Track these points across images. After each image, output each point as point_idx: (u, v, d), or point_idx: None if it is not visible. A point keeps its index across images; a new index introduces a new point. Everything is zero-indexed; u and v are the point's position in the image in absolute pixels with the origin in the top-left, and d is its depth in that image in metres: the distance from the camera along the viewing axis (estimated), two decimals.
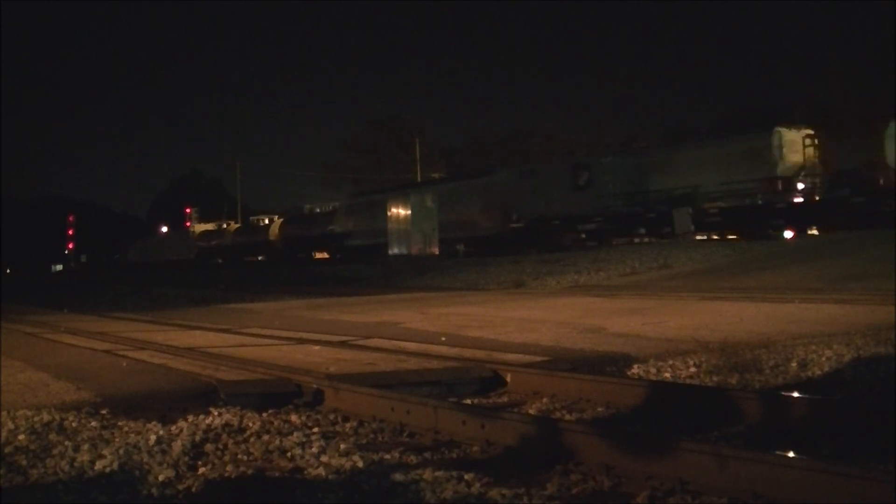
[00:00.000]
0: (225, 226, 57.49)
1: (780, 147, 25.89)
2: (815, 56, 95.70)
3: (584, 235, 30.09)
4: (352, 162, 71.15)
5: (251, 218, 57.28)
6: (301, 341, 7.67)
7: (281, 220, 49.83)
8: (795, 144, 26.06)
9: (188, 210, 66.18)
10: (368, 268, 27.85)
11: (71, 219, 78.70)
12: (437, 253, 34.54)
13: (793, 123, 27.72)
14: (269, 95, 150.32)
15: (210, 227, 59.02)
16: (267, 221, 51.86)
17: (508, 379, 5.37)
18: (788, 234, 24.40)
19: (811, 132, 26.45)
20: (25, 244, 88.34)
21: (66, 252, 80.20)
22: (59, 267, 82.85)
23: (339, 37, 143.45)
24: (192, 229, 59.93)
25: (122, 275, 45.00)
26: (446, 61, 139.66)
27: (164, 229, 67.08)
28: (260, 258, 49.32)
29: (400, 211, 37.23)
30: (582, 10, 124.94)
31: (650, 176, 28.88)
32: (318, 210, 49.08)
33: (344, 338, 7.79)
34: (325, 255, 44.36)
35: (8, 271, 75.85)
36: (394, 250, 36.51)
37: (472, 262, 24.66)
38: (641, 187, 29.03)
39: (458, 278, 19.62)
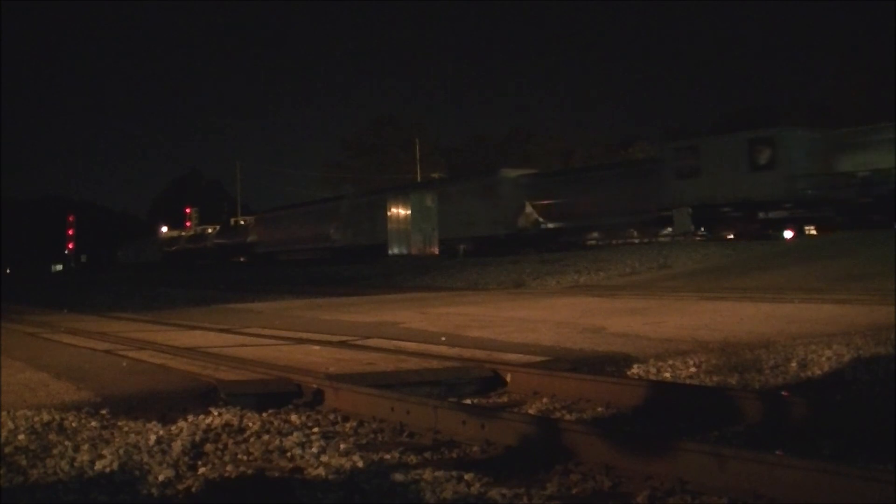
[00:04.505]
0: (183, 232, 62.70)
1: None
2: (814, 56, 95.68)
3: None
4: (352, 161, 71.13)
5: (198, 227, 62.19)
6: (301, 341, 7.66)
7: (215, 229, 56.95)
8: None
9: (188, 210, 66.47)
10: (368, 268, 27.87)
11: (71, 219, 78.68)
12: (437, 253, 34.58)
13: None
14: (269, 95, 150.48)
15: (175, 233, 64.10)
16: (210, 230, 57.68)
17: (508, 379, 5.37)
18: (788, 234, 24.34)
19: None
20: (25, 244, 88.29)
21: (66, 252, 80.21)
22: (59, 267, 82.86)
23: (340, 36, 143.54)
24: (159, 235, 65.50)
25: (121, 275, 47.08)
26: (446, 61, 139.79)
27: (165, 229, 67.68)
28: (207, 261, 54.66)
29: (399, 211, 37.29)
30: (582, 10, 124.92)
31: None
32: (241, 223, 54.96)
33: (344, 338, 7.78)
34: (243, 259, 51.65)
35: (8, 271, 75.82)
36: (393, 250, 36.59)
37: (472, 262, 24.67)
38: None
39: (458, 278, 19.61)
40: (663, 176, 27.66)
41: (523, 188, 33.32)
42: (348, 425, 4.38)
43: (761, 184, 25.00)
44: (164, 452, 3.66)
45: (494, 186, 34.15)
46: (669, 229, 27.74)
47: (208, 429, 4.15)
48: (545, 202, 31.94)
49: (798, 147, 25.27)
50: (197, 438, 3.96)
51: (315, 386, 5.00)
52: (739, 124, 38.16)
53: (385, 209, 38.26)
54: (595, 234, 30.93)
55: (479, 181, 36.48)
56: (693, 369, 5.59)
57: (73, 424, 4.21)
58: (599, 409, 4.63)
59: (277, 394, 4.95)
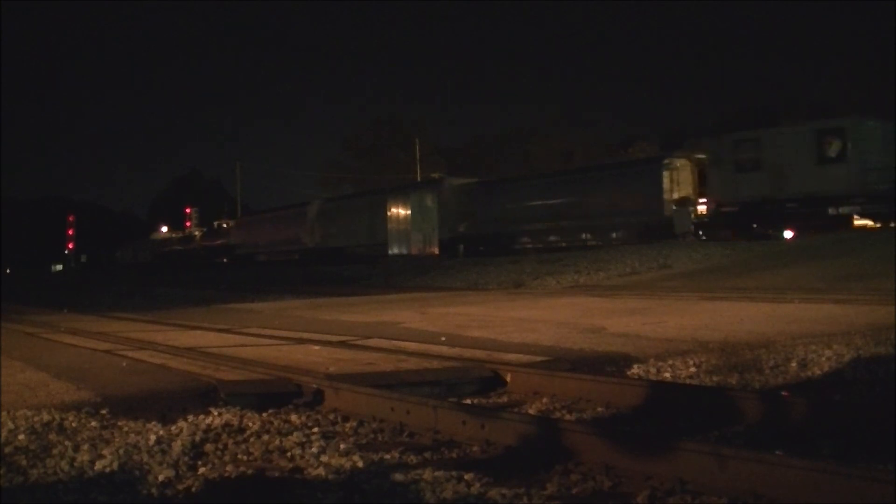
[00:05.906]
0: (174, 234, 64.88)
1: None
2: (814, 55, 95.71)
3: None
4: (352, 162, 71.11)
5: (189, 229, 64.01)
6: (301, 341, 7.66)
7: (202, 231, 59.43)
8: None
9: (188, 210, 66.62)
10: (368, 268, 27.88)
11: (71, 219, 78.67)
12: (436, 253, 34.60)
13: None
14: (269, 95, 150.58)
15: (168, 235, 66.16)
16: (198, 233, 59.89)
17: (508, 379, 5.37)
18: (788, 234, 24.27)
19: None
20: (26, 244, 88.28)
21: (66, 252, 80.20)
22: (59, 267, 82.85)
23: (340, 36, 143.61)
24: (153, 236, 67.60)
25: (121, 275, 47.69)
26: (446, 61, 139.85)
27: (164, 229, 68.06)
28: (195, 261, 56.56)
29: (399, 211, 37.35)
30: (582, 10, 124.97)
31: None
32: (224, 225, 57.06)
33: (344, 338, 7.78)
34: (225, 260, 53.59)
35: (8, 271, 75.83)
36: (393, 250, 36.66)
37: (471, 262, 24.66)
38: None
39: (457, 278, 19.61)
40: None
41: (465, 195, 35.43)
42: (348, 425, 4.38)
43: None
44: (164, 452, 3.66)
45: (440, 193, 36.37)
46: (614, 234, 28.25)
47: (208, 429, 4.15)
48: (484, 208, 34.17)
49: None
50: (197, 438, 3.96)
51: (315, 386, 5.00)
52: (739, 124, 38.07)
53: (349, 215, 41.03)
54: (526, 239, 32.46)
55: (430, 188, 38.95)
56: (693, 369, 5.59)
57: (73, 424, 4.21)
58: (599, 409, 4.63)
59: (277, 394, 4.94)
